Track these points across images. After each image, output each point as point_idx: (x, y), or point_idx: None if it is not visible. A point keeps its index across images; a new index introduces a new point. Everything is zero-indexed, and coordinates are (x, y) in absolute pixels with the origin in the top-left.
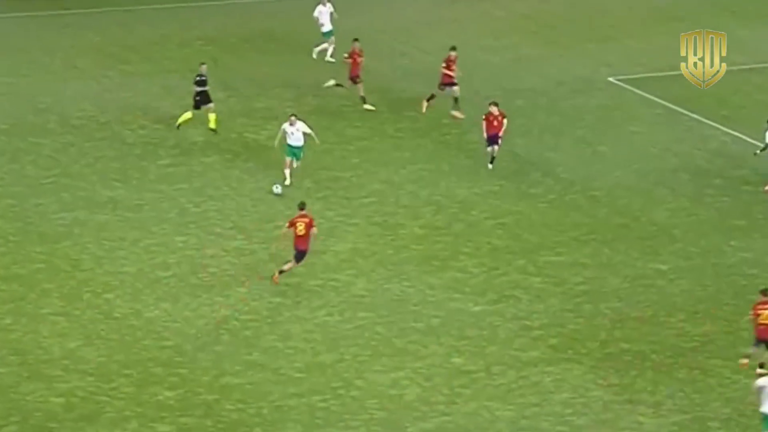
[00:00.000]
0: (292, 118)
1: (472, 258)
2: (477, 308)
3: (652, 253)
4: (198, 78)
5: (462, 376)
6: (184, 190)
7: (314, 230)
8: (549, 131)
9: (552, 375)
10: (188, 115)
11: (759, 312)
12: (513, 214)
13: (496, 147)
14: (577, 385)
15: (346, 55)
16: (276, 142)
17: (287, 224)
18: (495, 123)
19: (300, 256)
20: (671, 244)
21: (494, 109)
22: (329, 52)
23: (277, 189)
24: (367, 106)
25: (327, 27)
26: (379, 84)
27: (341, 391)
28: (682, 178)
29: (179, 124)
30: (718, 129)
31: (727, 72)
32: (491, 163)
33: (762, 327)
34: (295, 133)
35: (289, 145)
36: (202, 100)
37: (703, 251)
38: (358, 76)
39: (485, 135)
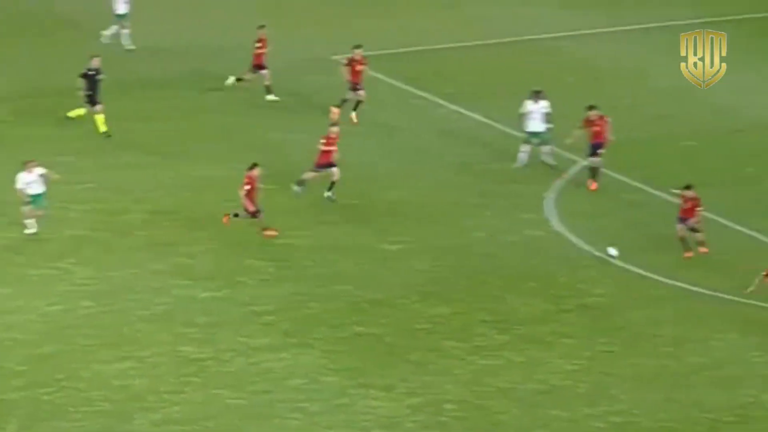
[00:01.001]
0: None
1: (200, 243)
2: (205, 294)
3: (385, 234)
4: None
5: (191, 365)
6: None
7: None
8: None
9: (284, 361)
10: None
11: None
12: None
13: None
14: (309, 370)
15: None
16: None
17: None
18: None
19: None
20: (404, 225)
21: (358, 52)
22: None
23: None
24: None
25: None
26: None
27: (65, 383)
28: (412, 158)
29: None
30: (445, 107)
31: (452, 49)
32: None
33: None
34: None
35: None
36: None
37: (435, 231)
38: (261, 66)
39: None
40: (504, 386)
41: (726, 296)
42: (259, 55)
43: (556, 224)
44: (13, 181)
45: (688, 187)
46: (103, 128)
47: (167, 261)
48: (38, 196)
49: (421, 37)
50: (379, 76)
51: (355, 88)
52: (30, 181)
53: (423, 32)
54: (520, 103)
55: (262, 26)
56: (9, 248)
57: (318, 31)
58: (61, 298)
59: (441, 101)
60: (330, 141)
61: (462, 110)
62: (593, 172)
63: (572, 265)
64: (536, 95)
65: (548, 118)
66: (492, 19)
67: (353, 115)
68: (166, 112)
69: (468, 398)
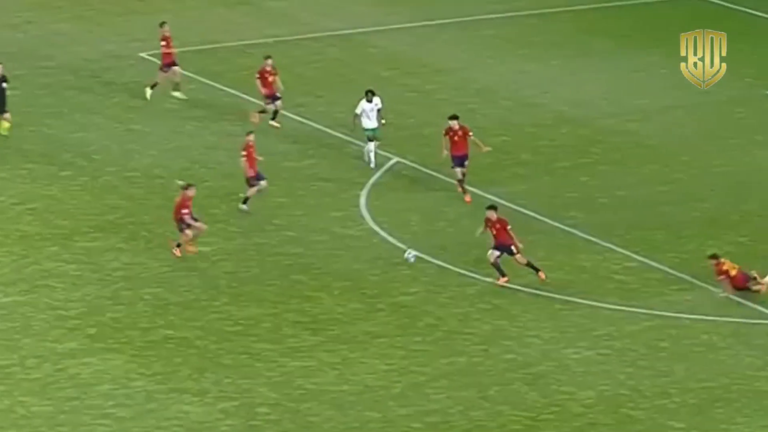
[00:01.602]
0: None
1: (0, 246)
2: (7, 299)
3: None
4: None
5: None
6: None
7: None
8: (79, 110)
9: (91, 366)
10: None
11: None
12: (44, 199)
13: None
14: (118, 375)
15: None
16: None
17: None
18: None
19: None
20: (212, 225)
21: (269, 62)
22: None
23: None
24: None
25: None
26: None
27: None
28: (222, 155)
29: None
30: (255, 104)
31: (263, 45)
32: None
33: None
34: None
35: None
36: None
37: (245, 231)
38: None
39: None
40: (317, 388)
41: (540, 293)
42: (167, 54)
43: (369, 223)
44: None
45: (491, 208)
46: (5, 132)
47: None
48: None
49: (224, 34)
50: (185, 72)
51: (273, 98)
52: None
53: (225, 28)
54: (330, 99)
55: (164, 23)
56: None
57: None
58: None
59: (251, 98)
60: (250, 149)
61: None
62: (461, 183)
63: (385, 264)
64: (370, 94)
65: (381, 114)
66: (295, 14)
67: (274, 122)
68: None
69: (281, 401)
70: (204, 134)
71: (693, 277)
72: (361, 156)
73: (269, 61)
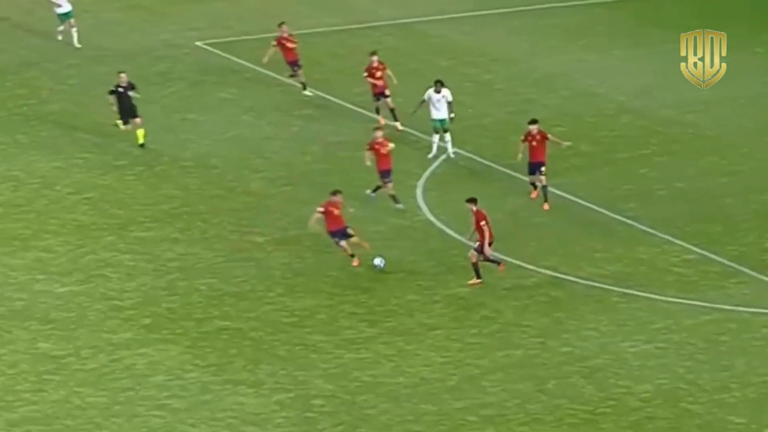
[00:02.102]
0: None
1: (56, 236)
2: (63, 289)
3: (248, 225)
4: None
5: (49, 362)
6: None
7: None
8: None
9: (146, 357)
10: None
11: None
12: (99, 188)
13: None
14: (173, 366)
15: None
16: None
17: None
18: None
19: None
20: (268, 215)
21: (374, 58)
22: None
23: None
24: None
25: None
26: None
27: None
28: (277, 146)
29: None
30: (313, 93)
31: (321, 34)
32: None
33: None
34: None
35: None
36: None
37: (300, 222)
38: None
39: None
40: (373, 380)
41: (598, 285)
42: (290, 51)
43: (425, 214)
44: None
45: (471, 200)
46: (141, 140)
47: (23, 255)
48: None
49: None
50: (242, 62)
51: (381, 95)
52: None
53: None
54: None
55: (282, 23)
56: None
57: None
58: None
59: (309, 87)
60: (380, 146)
61: (328, 96)
62: (535, 188)
63: (441, 255)
64: (438, 84)
65: (451, 107)
66: (353, 2)
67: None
68: (15, 99)
69: (336, 393)
70: (260, 124)
71: (752, 269)
72: (415, 146)
73: (375, 57)
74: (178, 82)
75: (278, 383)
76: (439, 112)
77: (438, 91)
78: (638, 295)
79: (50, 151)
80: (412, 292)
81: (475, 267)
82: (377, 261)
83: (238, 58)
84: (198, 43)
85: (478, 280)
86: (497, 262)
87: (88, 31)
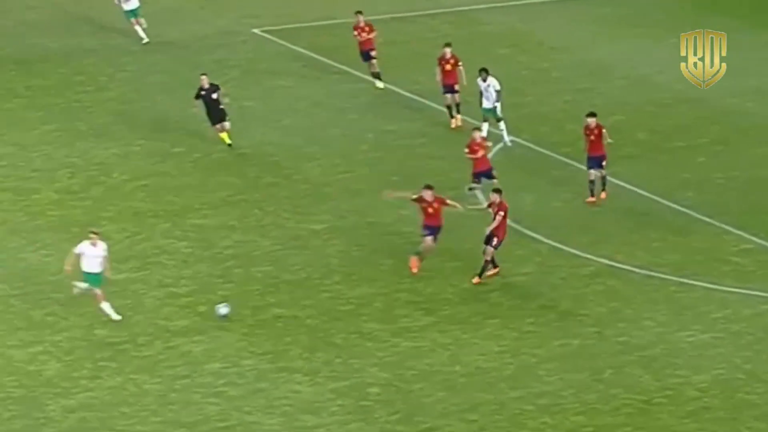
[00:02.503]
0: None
1: (113, 223)
2: (120, 276)
3: (305, 213)
4: None
5: (106, 349)
6: None
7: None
8: (191, 87)
9: (202, 344)
10: None
11: None
12: (156, 175)
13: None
14: (228, 354)
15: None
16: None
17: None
18: (449, 67)
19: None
20: (324, 203)
21: (447, 50)
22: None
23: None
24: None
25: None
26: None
27: None
28: (334, 134)
29: None
30: (368, 81)
31: (377, 21)
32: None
33: None
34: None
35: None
36: None
37: (357, 209)
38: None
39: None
40: (429, 369)
41: (655, 274)
42: (365, 40)
43: (482, 202)
44: None
45: (497, 191)
46: (228, 141)
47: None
48: (92, 275)
49: (339, 10)
50: (298, 49)
51: (450, 89)
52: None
53: (340, 4)
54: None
55: (359, 12)
56: None
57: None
58: None
59: (363, 75)
60: (477, 147)
61: (385, 84)
62: (603, 183)
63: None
64: (483, 73)
65: (499, 96)
66: None
67: (456, 120)
68: (73, 87)
69: (392, 381)
70: (316, 112)
71: None
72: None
73: (448, 50)
74: (235, 69)
75: (334, 371)
76: (487, 101)
77: (484, 80)
78: (695, 285)
79: (107, 138)
80: (469, 281)
81: (491, 260)
82: (222, 309)
83: (295, 45)
84: (255, 31)
85: (495, 270)
86: (495, 265)
87: (146, 18)
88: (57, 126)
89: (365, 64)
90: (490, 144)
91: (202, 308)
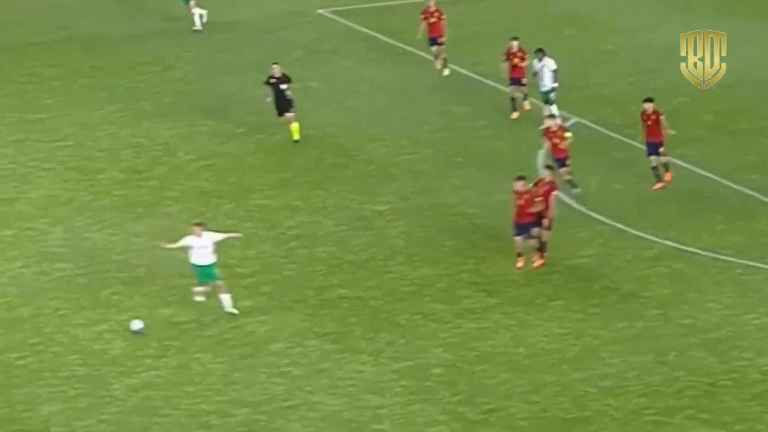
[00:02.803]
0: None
1: (178, 203)
2: (184, 256)
3: (369, 194)
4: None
5: (170, 328)
6: None
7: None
8: (255, 67)
9: (266, 324)
10: None
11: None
12: (220, 156)
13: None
14: (292, 334)
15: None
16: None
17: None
18: (516, 61)
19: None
20: (388, 184)
21: (515, 44)
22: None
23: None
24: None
25: None
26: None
27: (40, 347)
28: (398, 115)
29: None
30: (432, 62)
31: (441, 2)
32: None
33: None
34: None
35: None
36: None
37: (421, 190)
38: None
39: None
40: (492, 350)
41: (720, 257)
42: (433, 25)
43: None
44: None
45: (549, 167)
46: (296, 136)
47: (145, 222)
48: (207, 267)
49: None
50: (363, 29)
51: (517, 82)
52: (198, 246)
53: None
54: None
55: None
56: None
57: None
58: (35, 260)
59: (427, 56)
60: (553, 135)
61: (451, 65)
62: (665, 167)
63: (560, 225)
64: (540, 53)
65: (556, 76)
66: None
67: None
68: (138, 67)
69: (455, 362)
70: (380, 93)
71: None
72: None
73: (515, 43)
74: (299, 50)
75: (397, 352)
76: (543, 81)
77: (540, 60)
78: (761, 268)
79: (172, 118)
80: (532, 262)
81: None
82: (135, 325)
83: (360, 25)
84: (320, 11)
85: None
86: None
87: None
88: (122, 106)
89: (431, 48)
90: (569, 134)
91: (266, 288)
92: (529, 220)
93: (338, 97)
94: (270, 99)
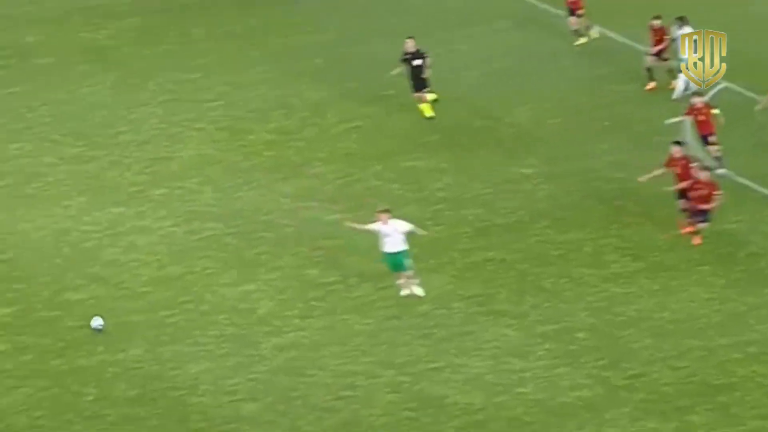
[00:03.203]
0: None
1: (326, 164)
2: (331, 217)
3: (515, 157)
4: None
5: (317, 289)
6: (16, 93)
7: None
8: (407, 32)
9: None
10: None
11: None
12: (368, 117)
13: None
14: (438, 296)
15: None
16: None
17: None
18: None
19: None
20: (535, 148)
21: (656, 23)
22: None
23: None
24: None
25: None
26: None
27: (189, 306)
28: (546, 79)
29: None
30: (586, 40)
31: None
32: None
33: None
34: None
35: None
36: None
37: (568, 155)
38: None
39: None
40: (637, 315)
41: None
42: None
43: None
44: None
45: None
46: (429, 113)
47: (293, 183)
48: (396, 255)
49: None
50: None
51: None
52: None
53: None
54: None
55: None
56: (124, 166)
57: None
58: (185, 219)
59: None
60: (697, 112)
61: (603, 29)
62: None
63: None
64: (679, 21)
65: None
66: None
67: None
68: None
69: (600, 326)
70: (528, 56)
71: None
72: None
73: (657, 21)
74: (449, 13)
75: (542, 315)
76: (680, 50)
77: (680, 27)
78: None
79: (321, 80)
80: (677, 228)
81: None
82: (95, 322)
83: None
84: None
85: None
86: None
87: None
88: (272, 66)
89: (569, 19)
90: (716, 111)
91: (412, 250)
92: (703, 206)
93: (487, 59)
94: (396, 71)
